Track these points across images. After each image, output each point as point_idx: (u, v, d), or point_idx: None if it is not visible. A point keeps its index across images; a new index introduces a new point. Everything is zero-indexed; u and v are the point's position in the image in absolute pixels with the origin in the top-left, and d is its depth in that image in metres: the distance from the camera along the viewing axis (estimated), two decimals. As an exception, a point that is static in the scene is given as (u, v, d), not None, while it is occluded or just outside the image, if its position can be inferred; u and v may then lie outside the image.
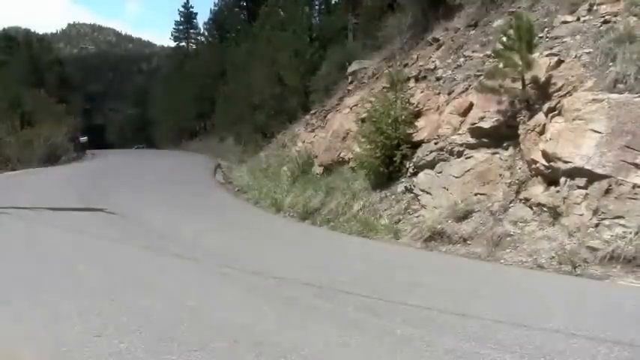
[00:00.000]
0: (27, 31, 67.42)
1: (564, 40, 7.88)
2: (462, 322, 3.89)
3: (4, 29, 57.07)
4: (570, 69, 7.34)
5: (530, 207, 6.97)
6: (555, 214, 6.51)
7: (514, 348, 3.33)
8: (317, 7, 31.53)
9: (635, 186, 5.82)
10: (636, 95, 6.31)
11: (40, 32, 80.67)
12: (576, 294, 5.00)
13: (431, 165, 8.96)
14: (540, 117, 7.37)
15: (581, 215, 6.15)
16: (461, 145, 8.49)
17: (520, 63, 7.46)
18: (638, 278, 5.32)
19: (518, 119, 7.78)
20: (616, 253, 5.56)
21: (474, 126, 8.31)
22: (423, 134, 9.49)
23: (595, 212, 6.01)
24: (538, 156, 7.02)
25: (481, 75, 8.75)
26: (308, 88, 20.42)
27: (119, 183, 16.19)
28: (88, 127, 49.75)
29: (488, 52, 9.04)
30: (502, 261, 6.48)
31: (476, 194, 7.82)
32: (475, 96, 8.60)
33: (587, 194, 6.19)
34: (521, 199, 7.17)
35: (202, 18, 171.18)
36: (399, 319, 3.95)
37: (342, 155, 12.45)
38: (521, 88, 7.67)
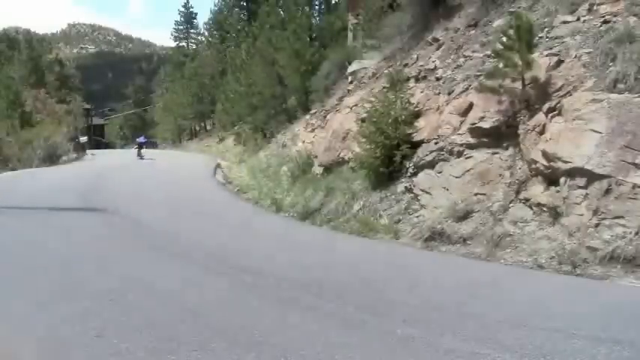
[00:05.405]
0: (27, 31, 67.56)
1: (564, 40, 7.88)
2: (462, 322, 3.89)
3: (4, 29, 57.18)
4: (570, 69, 7.34)
5: (530, 207, 6.97)
6: (555, 214, 6.51)
7: (514, 348, 3.33)
8: (317, 7, 31.58)
9: (635, 186, 5.82)
10: (636, 95, 6.31)
11: (40, 32, 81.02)
12: (576, 294, 5.00)
13: (431, 165, 8.95)
14: (540, 117, 7.37)
15: (581, 215, 6.15)
16: (461, 145, 8.49)
17: (520, 63, 7.46)
18: (638, 278, 5.31)
19: (518, 119, 7.78)
20: (616, 253, 5.55)
21: (474, 126, 8.31)
22: (423, 134, 9.48)
23: (595, 212, 6.01)
24: (538, 156, 7.02)
25: (481, 75, 8.74)
26: (308, 88, 20.42)
27: (119, 183, 16.20)
28: (88, 127, 49.79)
29: (489, 52, 9.02)
30: (502, 261, 6.47)
31: (476, 194, 7.81)
32: (475, 96, 8.60)
33: (587, 194, 6.18)
34: (521, 199, 7.17)
35: (202, 18, 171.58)
36: (399, 319, 3.95)
37: (342, 155, 12.44)
38: (521, 88, 7.67)
